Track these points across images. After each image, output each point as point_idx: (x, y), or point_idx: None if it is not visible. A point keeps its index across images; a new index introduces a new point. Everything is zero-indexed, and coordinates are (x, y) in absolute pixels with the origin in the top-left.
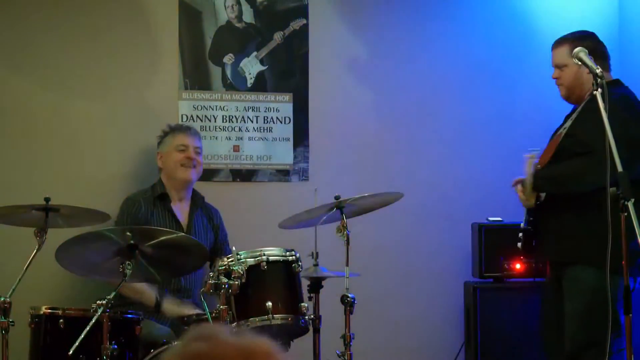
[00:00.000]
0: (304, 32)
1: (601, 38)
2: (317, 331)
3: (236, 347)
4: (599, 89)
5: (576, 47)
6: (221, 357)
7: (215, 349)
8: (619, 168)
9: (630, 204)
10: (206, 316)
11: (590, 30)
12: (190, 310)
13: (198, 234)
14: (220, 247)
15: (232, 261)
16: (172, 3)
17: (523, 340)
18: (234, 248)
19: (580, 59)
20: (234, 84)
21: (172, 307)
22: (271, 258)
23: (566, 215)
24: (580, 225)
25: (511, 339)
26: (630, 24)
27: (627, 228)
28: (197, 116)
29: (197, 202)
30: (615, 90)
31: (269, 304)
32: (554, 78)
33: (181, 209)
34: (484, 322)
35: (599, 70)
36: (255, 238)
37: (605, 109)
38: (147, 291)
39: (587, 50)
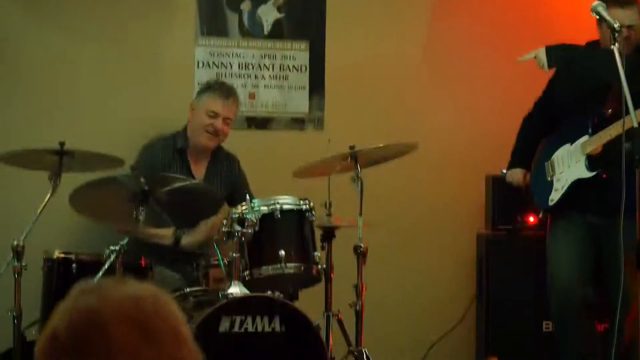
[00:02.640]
0: None
1: None
2: (329, 281)
3: (125, 296)
4: (617, 44)
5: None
6: (111, 307)
7: (104, 300)
8: (635, 123)
9: None
10: (218, 262)
11: None
12: (206, 231)
13: (215, 185)
14: (242, 197)
15: (245, 209)
16: None
17: (535, 293)
18: (247, 196)
19: (598, 14)
20: (251, 31)
21: (190, 238)
22: (285, 207)
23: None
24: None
25: (523, 292)
26: None
27: None
28: (213, 63)
29: (217, 155)
30: None
31: (282, 252)
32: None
33: (198, 164)
34: (496, 274)
35: (617, 25)
36: (269, 186)
37: (622, 64)
38: (163, 230)
39: (605, 5)
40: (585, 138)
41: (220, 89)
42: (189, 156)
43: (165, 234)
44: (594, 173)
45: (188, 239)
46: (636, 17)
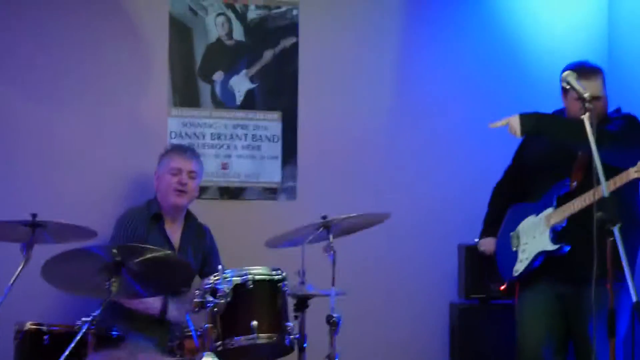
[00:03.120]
0: (294, 50)
1: (590, 51)
2: (302, 350)
3: None
4: (587, 113)
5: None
6: None
7: None
8: (605, 193)
9: (616, 229)
10: (191, 333)
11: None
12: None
13: (189, 255)
14: (214, 268)
15: (218, 279)
16: (163, 19)
17: None
18: (220, 266)
19: (569, 83)
20: (223, 102)
21: (178, 312)
22: (257, 277)
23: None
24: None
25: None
26: (619, 37)
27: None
28: (186, 133)
29: (190, 223)
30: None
31: (255, 323)
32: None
33: (174, 230)
34: (469, 343)
35: (587, 95)
36: (242, 256)
37: (593, 133)
38: (150, 300)
39: (575, 75)
40: (549, 210)
41: (176, 148)
42: (165, 222)
43: (153, 305)
44: (557, 246)
45: (174, 313)
46: (601, 88)
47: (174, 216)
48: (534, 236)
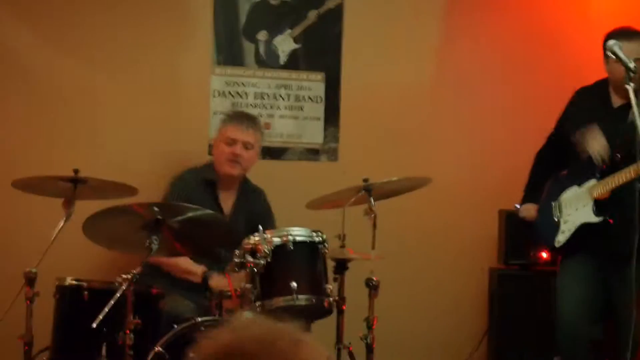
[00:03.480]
0: (338, 11)
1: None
2: (340, 313)
3: (257, 339)
4: (632, 84)
5: None
6: (240, 349)
7: (235, 340)
8: None
9: None
10: (231, 293)
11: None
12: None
13: (239, 223)
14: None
15: (258, 240)
16: None
17: (546, 328)
18: (260, 227)
19: (614, 53)
20: (267, 62)
21: (219, 281)
22: (297, 238)
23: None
24: None
25: (534, 327)
26: None
27: None
28: (229, 92)
29: (244, 190)
30: None
31: (294, 284)
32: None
33: (227, 197)
34: (508, 309)
35: (632, 65)
36: (283, 217)
37: (637, 104)
38: (194, 268)
39: (620, 44)
40: (593, 182)
41: (235, 116)
42: (218, 189)
43: (195, 271)
44: (600, 218)
45: (215, 282)
46: None
47: (228, 184)
48: (576, 208)
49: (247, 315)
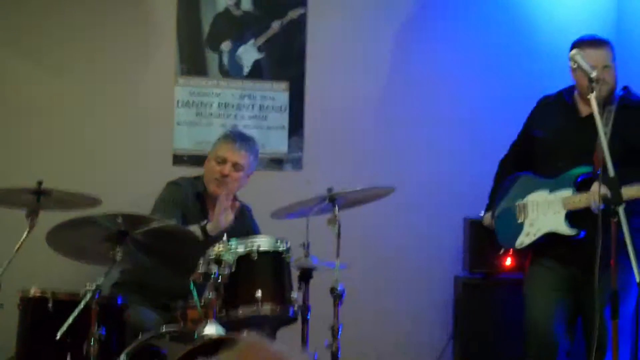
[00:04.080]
0: (302, 21)
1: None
2: (305, 321)
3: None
4: (594, 93)
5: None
6: None
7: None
8: (611, 173)
9: (620, 209)
10: (195, 304)
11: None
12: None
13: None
14: None
15: (222, 250)
16: None
17: (511, 336)
18: (224, 237)
19: (576, 62)
20: (231, 71)
21: (215, 225)
22: (262, 248)
23: None
24: None
25: (499, 335)
26: (628, 25)
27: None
28: (193, 102)
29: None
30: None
31: (259, 293)
32: (599, 78)
33: (214, 211)
34: (473, 317)
35: (593, 75)
36: None
37: (600, 112)
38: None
39: (582, 53)
40: (567, 192)
41: (230, 135)
42: (207, 203)
43: (195, 230)
44: (574, 232)
45: (211, 226)
46: (609, 58)
47: (215, 199)
48: (544, 213)
49: (210, 326)
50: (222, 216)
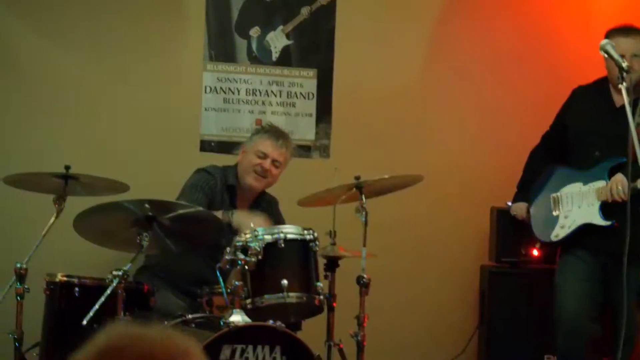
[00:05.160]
0: (331, 7)
1: None
2: (331, 310)
3: (127, 334)
4: (624, 83)
5: None
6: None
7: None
8: None
9: None
10: (221, 290)
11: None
12: (260, 222)
13: None
14: None
15: (249, 238)
16: None
17: (537, 326)
18: (252, 224)
19: (607, 52)
20: (259, 58)
21: (243, 218)
22: (289, 236)
23: None
24: None
25: (525, 325)
26: None
27: None
28: (221, 88)
29: (260, 200)
30: None
31: (285, 282)
32: (628, 67)
33: (243, 203)
34: (499, 306)
35: (625, 64)
36: None
37: (630, 103)
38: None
39: (613, 43)
40: (601, 184)
41: (272, 131)
42: (236, 194)
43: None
44: (608, 223)
45: (240, 219)
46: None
47: (246, 192)
48: (579, 205)
49: (236, 314)
50: (251, 219)
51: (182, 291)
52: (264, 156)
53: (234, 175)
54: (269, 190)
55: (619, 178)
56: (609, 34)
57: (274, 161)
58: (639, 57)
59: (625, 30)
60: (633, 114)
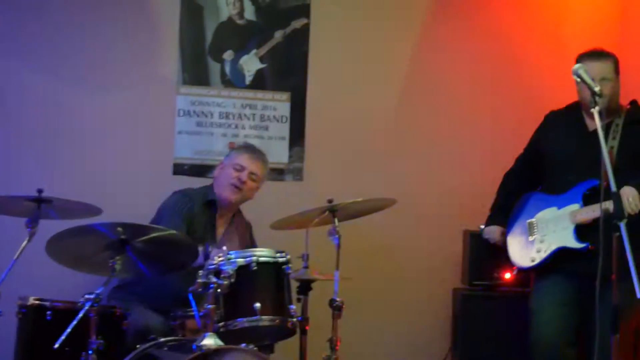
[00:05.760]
0: (305, 31)
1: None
2: (304, 333)
3: None
4: (597, 107)
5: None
6: None
7: None
8: (613, 188)
9: (622, 225)
10: (193, 314)
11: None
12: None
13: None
14: None
15: (222, 261)
16: None
17: (509, 349)
18: (224, 247)
19: (579, 76)
20: (233, 81)
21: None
22: (261, 259)
23: None
24: None
25: (498, 348)
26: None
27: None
28: (194, 111)
29: (237, 219)
30: None
31: (257, 305)
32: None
33: (221, 223)
34: (471, 329)
35: (597, 89)
36: None
37: (602, 127)
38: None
39: (586, 67)
40: (575, 207)
41: (250, 147)
42: (216, 212)
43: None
44: (582, 245)
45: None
46: (611, 70)
47: (225, 209)
48: (554, 230)
49: (208, 338)
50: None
51: (158, 309)
52: (241, 168)
53: (213, 192)
54: (242, 207)
55: (627, 191)
56: (580, 58)
57: (251, 174)
58: (607, 81)
59: (596, 55)
60: (606, 137)
